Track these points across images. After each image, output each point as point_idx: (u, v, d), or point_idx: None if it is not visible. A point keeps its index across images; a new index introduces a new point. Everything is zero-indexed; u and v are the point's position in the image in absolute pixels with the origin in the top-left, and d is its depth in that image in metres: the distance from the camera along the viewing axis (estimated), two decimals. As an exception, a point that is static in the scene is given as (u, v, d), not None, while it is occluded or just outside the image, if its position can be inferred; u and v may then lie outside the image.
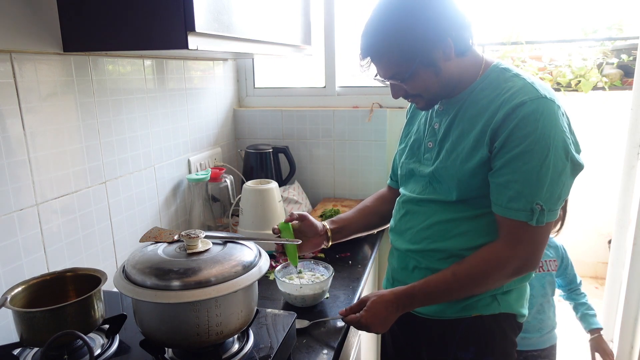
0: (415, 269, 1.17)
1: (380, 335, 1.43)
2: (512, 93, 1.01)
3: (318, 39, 2.01)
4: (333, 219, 1.36)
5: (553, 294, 1.70)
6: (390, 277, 1.28)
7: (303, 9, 1.69)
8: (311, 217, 1.29)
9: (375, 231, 1.48)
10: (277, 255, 1.54)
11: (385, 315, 1.09)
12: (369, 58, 1.08)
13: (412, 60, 1.03)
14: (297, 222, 1.27)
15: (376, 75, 1.12)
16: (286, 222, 1.26)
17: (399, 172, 1.30)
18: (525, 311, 1.18)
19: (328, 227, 1.31)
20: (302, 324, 1.16)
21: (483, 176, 1.05)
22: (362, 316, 1.09)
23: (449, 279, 1.06)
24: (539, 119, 0.97)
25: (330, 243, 1.32)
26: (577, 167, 1.03)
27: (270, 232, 1.55)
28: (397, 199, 1.28)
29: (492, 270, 1.05)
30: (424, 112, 1.22)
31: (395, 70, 1.06)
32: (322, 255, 1.57)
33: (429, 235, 1.14)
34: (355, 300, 1.27)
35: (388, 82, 1.12)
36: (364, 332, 1.20)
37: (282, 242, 1.23)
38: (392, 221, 1.29)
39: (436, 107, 1.16)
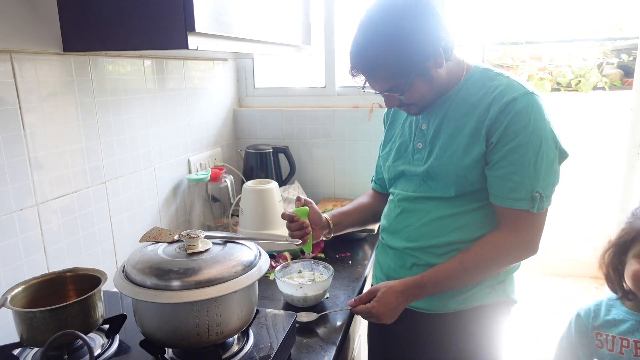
0: (414, 266, 1.19)
1: (367, 333, 1.45)
2: (501, 90, 1.06)
3: (318, 39, 2.01)
4: (333, 212, 1.38)
5: None
6: (384, 278, 1.27)
7: (303, 9, 1.69)
8: (315, 206, 1.30)
9: (360, 228, 1.49)
10: (277, 255, 1.54)
11: (396, 306, 1.12)
12: (362, 74, 1.09)
13: (409, 73, 1.05)
14: (306, 207, 1.28)
15: (364, 87, 1.12)
16: (298, 206, 1.27)
17: (386, 175, 1.31)
18: (516, 297, 1.23)
19: (329, 219, 1.33)
20: (309, 316, 1.18)
21: (480, 170, 1.09)
22: (372, 307, 1.11)
23: (457, 267, 1.10)
24: (530, 113, 1.03)
25: (331, 235, 1.33)
26: (563, 155, 1.09)
27: (270, 232, 1.56)
28: (391, 198, 1.29)
29: (498, 257, 1.10)
30: (406, 115, 1.24)
31: (393, 84, 1.08)
32: (322, 255, 1.57)
33: (428, 231, 1.16)
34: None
35: (383, 94, 1.13)
36: (365, 328, 1.21)
37: (282, 242, 1.23)
38: (384, 221, 1.30)
39: None
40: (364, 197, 1.47)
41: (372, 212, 1.42)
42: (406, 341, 1.25)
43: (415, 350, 1.24)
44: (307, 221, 1.24)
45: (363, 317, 1.15)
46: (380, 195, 1.43)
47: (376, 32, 1.04)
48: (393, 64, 1.04)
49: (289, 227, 1.25)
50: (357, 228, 1.45)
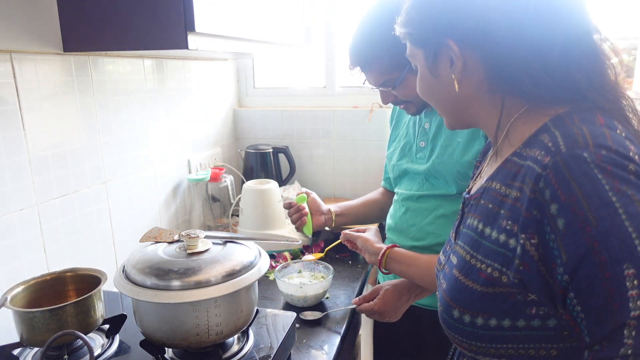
0: None
1: (372, 330, 1.47)
2: None
3: (318, 38, 2.01)
4: (338, 204, 1.44)
5: None
6: (391, 277, 1.28)
7: (303, 8, 1.69)
8: (316, 196, 1.40)
9: (368, 223, 1.52)
10: (277, 255, 1.54)
11: (398, 304, 1.14)
12: (358, 67, 1.13)
13: (402, 68, 1.07)
14: (304, 194, 1.39)
15: (364, 82, 1.17)
16: (298, 195, 1.40)
17: (391, 174, 1.34)
18: None
19: (332, 209, 1.40)
20: (314, 315, 1.19)
21: None
22: (375, 304, 1.14)
23: None
24: None
25: (333, 225, 1.41)
26: None
27: (270, 232, 1.57)
28: (395, 198, 1.32)
29: None
30: (410, 115, 1.26)
31: (386, 78, 1.10)
32: (322, 255, 1.57)
33: (434, 229, 1.18)
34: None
35: (378, 89, 1.16)
36: (369, 326, 1.22)
37: (282, 241, 1.25)
38: (390, 220, 1.31)
39: None
40: (373, 193, 1.51)
41: (380, 207, 1.44)
42: (412, 338, 1.27)
43: (420, 347, 1.25)
44: (304, 205, 1.36)
45: (367, 315, 1.17)
46: (390, 192, 1.46)
47: (371, 28, 1.07)
48: (386, 58, 1.07)
49: (288, 213, 1.38)
50: (363, 221, 1.48)
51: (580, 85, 0.62)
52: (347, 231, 1.24)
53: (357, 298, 1.19)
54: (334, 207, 1.42)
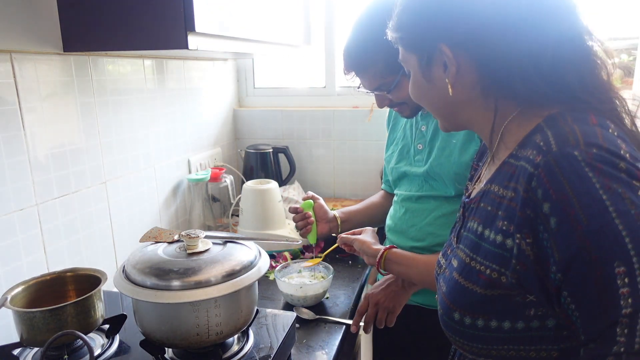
0: None
1: (373, 330, 1.46)
2: None
3: (318, 38, 2.01)
4: (342, 209, 1.42)
5: None
6: None
7: (303, 9, 1.69)
8: (322, 202, 1.37)
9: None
10: (277, 255, 1.54)
11: (391, 287, 1.16)
12: (353, 72, 1.13)
13: (396, 72, 1.06)
14: (311, 200, 1.37)
15: (359, 87, 1.17)
16: (304, 199, 1.38)
17: (390, 177, 1.35)
18: None
19: (337, 215, 1.39)
20: (309, 314, 1.19)
21: None
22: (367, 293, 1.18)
23: None
24: None
25: (339, 231, 1.38)
26: None
27: (270, 232, 1.57)
28: (395, 199, 1.32)
29: None
30: (404, 118, 1.26)
31: (381, 82, 1.10)
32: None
33: (433, 230, 1.18)
34: (353, 301, 1.30)
35: (373, 93, 1.16)
36: (368, 329, 1.22)
37: (282, 242, 1.25)
38: (389, 221, 1.31)
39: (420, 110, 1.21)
40: (374, 197, 1.50)
41: (382, 211, 1.44)
42: (412, 338, 1.27)
43: (421, 347, 1.26)
44: (310, 212, 1.33)
45: (367, 317, 1.17)
46: (390, 195, 1.46)
47: (366, 32, 1.07)
48: (380, 63, 1.07)
49: (293, 219, 1.36)
50: (367, 226, 1.47)
51: (572, 86, 0.62)
52: (343, 235, 1.23)
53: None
54: (338, 212, 1.41)
